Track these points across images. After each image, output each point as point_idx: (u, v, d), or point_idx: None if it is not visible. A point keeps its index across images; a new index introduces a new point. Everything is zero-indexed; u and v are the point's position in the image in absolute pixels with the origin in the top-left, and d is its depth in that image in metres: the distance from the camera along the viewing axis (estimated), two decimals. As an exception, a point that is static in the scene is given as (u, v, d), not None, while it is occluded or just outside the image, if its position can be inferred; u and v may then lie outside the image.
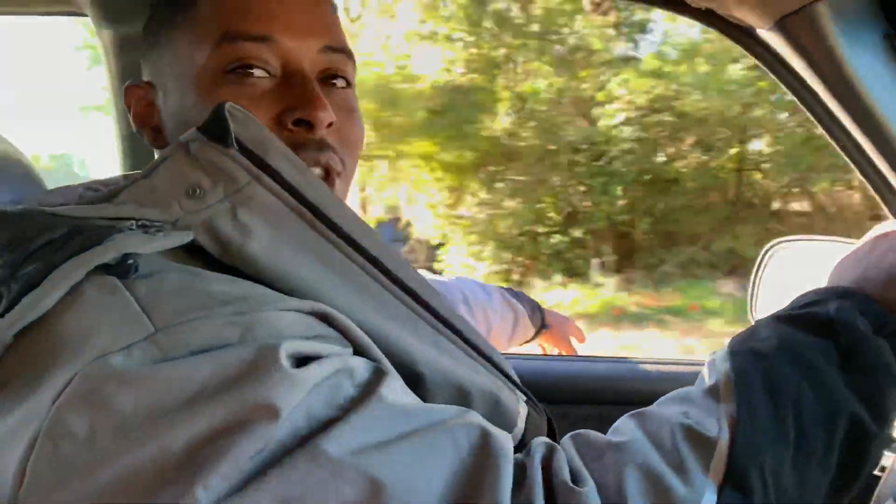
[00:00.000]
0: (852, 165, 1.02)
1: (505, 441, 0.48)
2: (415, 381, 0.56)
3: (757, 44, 0.99)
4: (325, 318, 0.51)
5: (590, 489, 0.46)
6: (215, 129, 0.54)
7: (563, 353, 1.41)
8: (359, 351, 0.52)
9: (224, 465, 0.39)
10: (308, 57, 0.66)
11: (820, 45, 0.90)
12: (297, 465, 0.41)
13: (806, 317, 0.56)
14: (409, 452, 0.44)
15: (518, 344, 1.37)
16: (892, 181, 0.96)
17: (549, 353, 1.43)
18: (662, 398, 0.57)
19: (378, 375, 0.49)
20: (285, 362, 0.44)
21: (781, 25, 0.92)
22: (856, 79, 0.90)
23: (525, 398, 0.66)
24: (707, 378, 0.55)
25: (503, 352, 1.33)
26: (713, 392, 0.52)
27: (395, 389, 0.49)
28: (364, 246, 0.57)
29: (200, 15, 0.65)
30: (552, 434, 0.73)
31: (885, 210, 1.02)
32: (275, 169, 0.55)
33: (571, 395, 1.28)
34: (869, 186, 1.02)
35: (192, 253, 0.51)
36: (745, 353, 0.54)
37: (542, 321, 1.38)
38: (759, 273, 1.26)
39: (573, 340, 1.42)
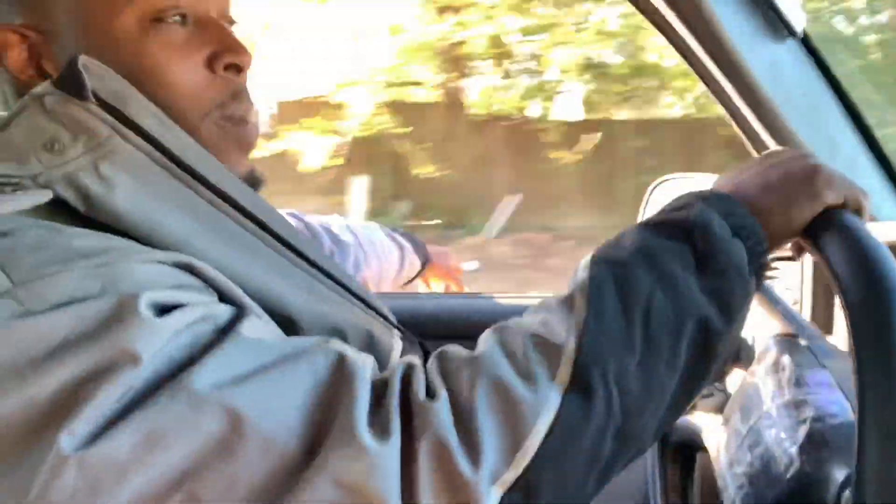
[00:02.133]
0: (723, 109, 1.07)
1: (362, 362, 0.51)
2: (288, 325, 0.58)
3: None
4: (188, 268, 0.52)
5: (441, 402, 0.48)
6: (71, 84, 0.53)
7: (451, 285, 1.42)
8: (223, 297, 0.53)
9: (87, 410, 0.41)
10: (214, 4, 0.66)
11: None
12: (158, 403, 0.43)
13: (667, 221, 0.58)
14: (267, 382, 0.46)
15: (406, 280, 1.37)
16: (762, 133, 1.02)
17: (434, 289, 1.43)
18: (530, 308, 0.59)
19: (239, 316, 0.51)
20: (145, 311, 0.45)
21: (654, -23, 0.94)
22: (717, 24, 0.94)
23: (399, 333, 0.69)
24: (569, 286, 0.57)
25: (394, 287, 1.34)
26: (568, 301, 0.54)
27: (255, 327, 0.50)
28: (233, 197, 0.58)
29: None
30: None
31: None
32: (135, 121, 0.54)
33: (467, 329, 1.31)
34: (736, 128, 1.07)
35: (57, 208, 0.50)
36: (602, 261, 0.56)
37: (425, 255, 1.38)
38: (644, 210, 1.31)
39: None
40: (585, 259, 0.58)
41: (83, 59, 0.55)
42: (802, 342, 0.75)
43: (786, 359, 0.72)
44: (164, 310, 0.47)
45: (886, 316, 0.48)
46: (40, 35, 0.63)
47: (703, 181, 1.24)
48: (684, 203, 0.59)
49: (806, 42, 0.99)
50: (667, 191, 1.31)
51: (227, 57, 0.64)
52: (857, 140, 1.03)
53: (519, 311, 1.36)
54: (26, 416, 0.41)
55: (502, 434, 0.47)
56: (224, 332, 0.49)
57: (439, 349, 0.56)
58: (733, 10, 0.94)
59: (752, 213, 0.57)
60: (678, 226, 0.57)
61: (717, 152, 6.58)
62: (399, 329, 0.70)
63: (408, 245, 1.34)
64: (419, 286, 1.44)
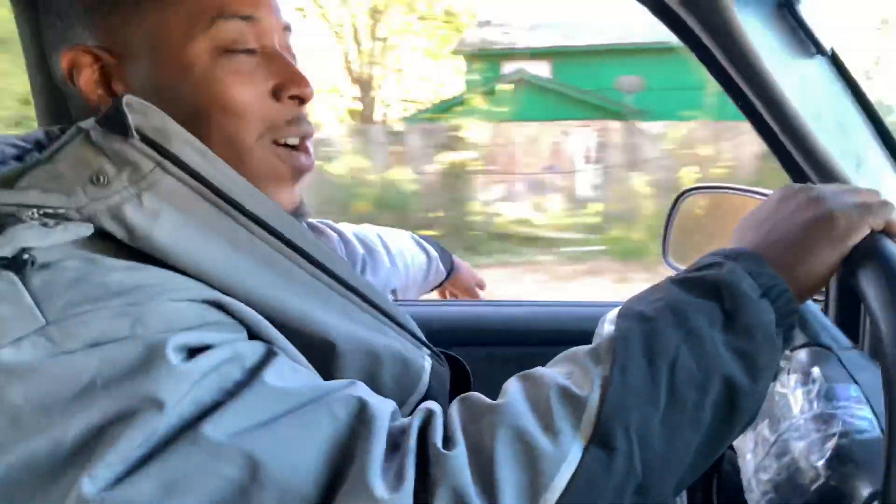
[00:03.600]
0: (756, 131, 1.08)
1: (382, 409, 0.52)
2: (327, 349, 0.59)
3: (671, 16, 1.03)
4: (218, 305, 0.53)
5: (458, 452, 0.49)
6: (115, 121, 0.55)
7: (469, 298, 1.44)
8: (253, 332, 0.54)
9: (110, 454, 0.42)
10: (278, 35, 0.70)
11: (715, 9, 0.95)
12: (179, 450, 0.44)
13: (697, 280, 0.59)
14: (287, 430, 0.47)
15: (431, 287, 1.40)
16: (789, 147, 1.03)
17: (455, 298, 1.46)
18: (556, 357, 0.60)
19: (266, 358, 0.52)
20: (172, 356, 0.46)
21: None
22: (748, 42, 0.95)
23: (429, 352, 0.71)
24: (596, 339, 0.59)
25: (419, 294, 1.38)
26: (594, 354, 0.55)
27: (281, 371, 0.51)
28: (271, 224, 0.60)
29: None
30: (466, 381, 0.79)
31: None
32: (178, 155, 0.56)
33: (496, 336, 1.34)
34: (771, 152, 1.09)
35: (100, 237, 0.52)
36: (630, 315, 0.57)
37: (451, 264, 1.40)
38: (671, 219, 1.33)
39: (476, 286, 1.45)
40: (613, 312, 0.59)
41: (127, 98, 0.57)
42: (834, 354, 0.77)
43: (816, 371, 0.73)
44: (192, 351, 0.48)
45: None
46: (114, 57, 0.66)
47: (732, 194, 1.27)
48: (713, 261, 0.60)
49: (834, 59, 1.01)
50: (695, 199, 1.33)
51: (292, 88, 0.69)
52: (884, 155, 1.05)
53: (560, 317, 1.39)
54: (51, 456, 0.43)
55: (521, 485, 0.47)
56: (251, 373, 0.50)
57: (461, 396, 0.57)
58: (763, 28, 0.96)
59: (779, 272, 0.58)
60: (707, 284, 0.58)
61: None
62: (429, 347, 0.72)
63: (435, 253, 1.37)
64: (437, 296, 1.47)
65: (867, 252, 0.58)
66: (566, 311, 1.38)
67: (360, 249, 1.20)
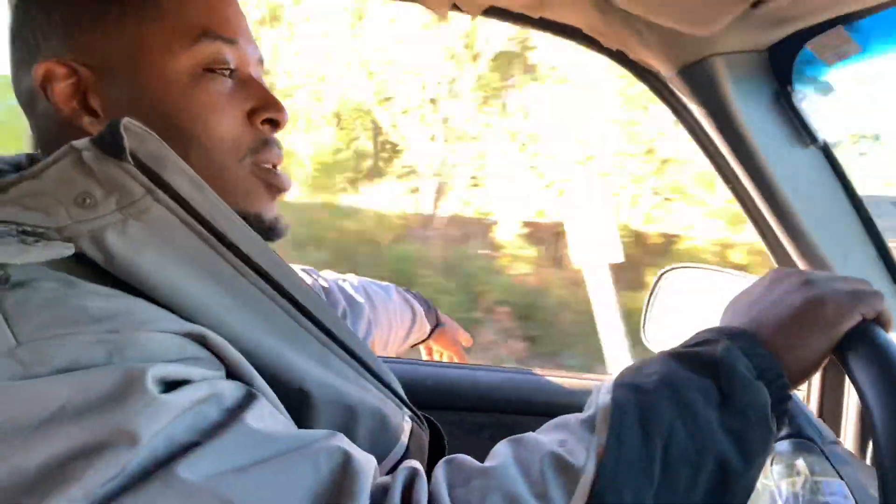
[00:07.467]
0: (742, 209, 1.09)
1: (366, 463, 0.49)
2: (302, 398, 0.56)
3: (662, 86, 1.05)
4: (199, 340, 0.50)
5: None
6: (110, 143, 0.53)
7: (453, 355, 1.42)
8: (232, 371, 0.52)
9: (74, 488, 0.39)
10: (253, 64, 0.71)
11: (715, 94, 0.97)
12: (150, 489, 0.40)
13: (693, 355, 0.58)
14: (266, 476, 0.44)
15: (414, 342, 1.37)
16: (778, 231, 1.04)
17: (437, 355, 1.43)
18: (546, 424, 0.58)
19: (246, 400, 0.49)
20: (151, 387, 0.43)
21: (683, 73, 0.98)
22: (745, 128, 0.97)
23: (409, 413, 0.68)
24: (589, 408, 0.57)
25: (401, 349, 1.34)
26: (589, 423, 0.54)
27: (261, 415, 0.48)
28: (257, 262, 0.57)
29: (166, 8, 0.64)
30: (441, 445, 0.76)
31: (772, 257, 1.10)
32: (171, 184, 0.54)
33: (468, 402, 1.31)
34: (756, 231, 1.09)
35: (78, 259, 0.49)
36: (627, 386, 0.56)
37: (436, 320, 1.38)
38: (652, 297, 1.32)
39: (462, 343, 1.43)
40: (608, 382, 0.58)
41: (125, 121, 0.54)
42: (818, 447, 0.75)
43: (801, 463, 0.71)
44: (170, 385, 0.45)
45: None
46: (90, 71, 0.63)
47: (710, 274, 1.26)
48: (709, 338, 0.60)
49: (826, 151, 1.03)
50: (674, 278, 1.32)
51: (267, 112, 0.69)
52: (870, 249, 1.06)
53: (535, 386, 1.35)
54: (11, 484, 0.39)
55: None
56: (229, 414, 0.47)
57: (446, 458, 0.55)
58: (760, 115, 0.98)
59: (773, 355, 0.58)
60: (704, 361, 0.57)
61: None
62: (410, 408, 0.69)
63: (420, 308, 1.34)
64: (421, 352, 1.43)
65: (859, 339, 0.57)
66: (541, 381, 1.35)
67: (342, 299, 1.17)
